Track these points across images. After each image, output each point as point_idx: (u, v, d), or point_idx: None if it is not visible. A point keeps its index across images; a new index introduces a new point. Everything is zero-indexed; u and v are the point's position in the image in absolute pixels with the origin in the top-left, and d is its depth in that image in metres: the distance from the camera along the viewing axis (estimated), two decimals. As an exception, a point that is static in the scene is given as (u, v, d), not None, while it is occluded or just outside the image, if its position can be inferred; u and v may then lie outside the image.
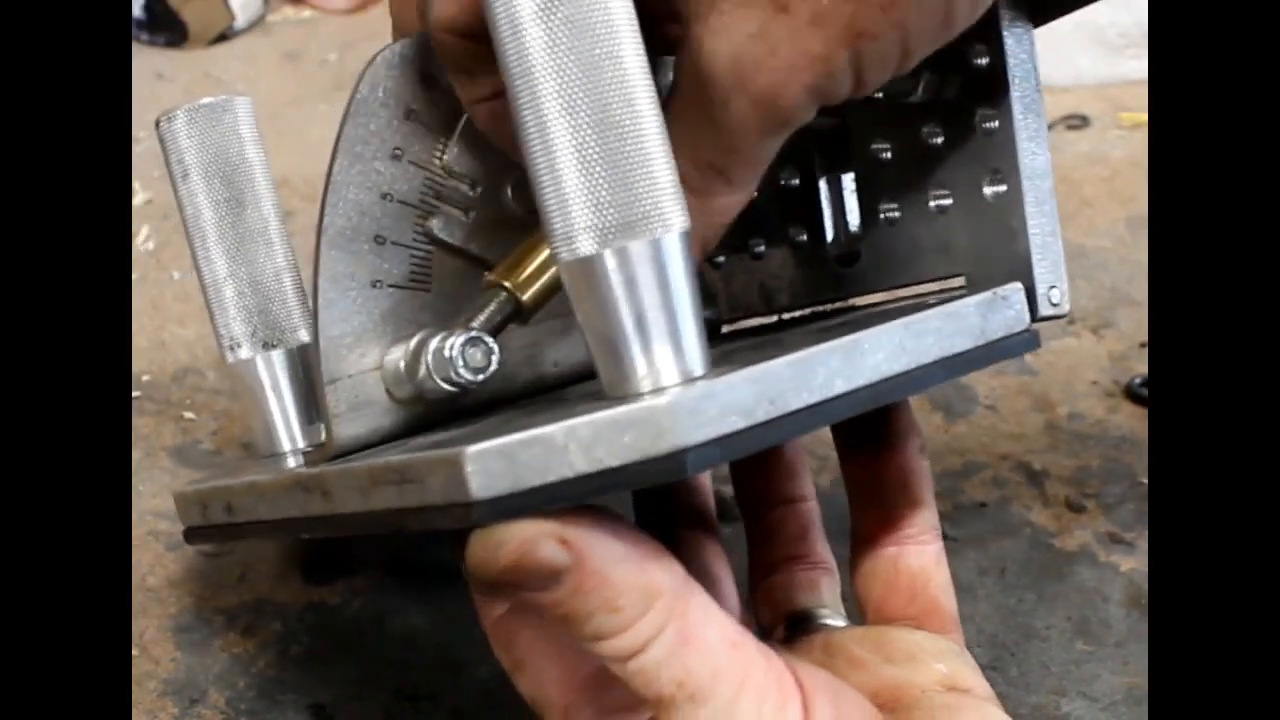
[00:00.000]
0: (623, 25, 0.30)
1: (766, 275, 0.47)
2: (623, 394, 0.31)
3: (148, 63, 1.16)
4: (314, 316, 0.38)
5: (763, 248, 0.47)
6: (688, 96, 0.33)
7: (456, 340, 0.37)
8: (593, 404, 0.32)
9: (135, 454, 0.61)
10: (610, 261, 0.30)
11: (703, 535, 0.42)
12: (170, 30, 1.22)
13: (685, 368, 0.31)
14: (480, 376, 0.38)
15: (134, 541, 0.55)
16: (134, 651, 0.49)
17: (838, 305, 0.45)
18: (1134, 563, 0.54)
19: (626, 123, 0.30)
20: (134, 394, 0.66)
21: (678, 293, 0.31)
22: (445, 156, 0.40)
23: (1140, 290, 0.75)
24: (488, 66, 0.36)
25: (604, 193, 0.30)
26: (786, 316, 0.47)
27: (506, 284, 0.39)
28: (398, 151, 0.40)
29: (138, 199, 0.88)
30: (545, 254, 0.38)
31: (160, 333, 0.72)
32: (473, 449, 0.30)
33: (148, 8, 1.21)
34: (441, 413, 0.40)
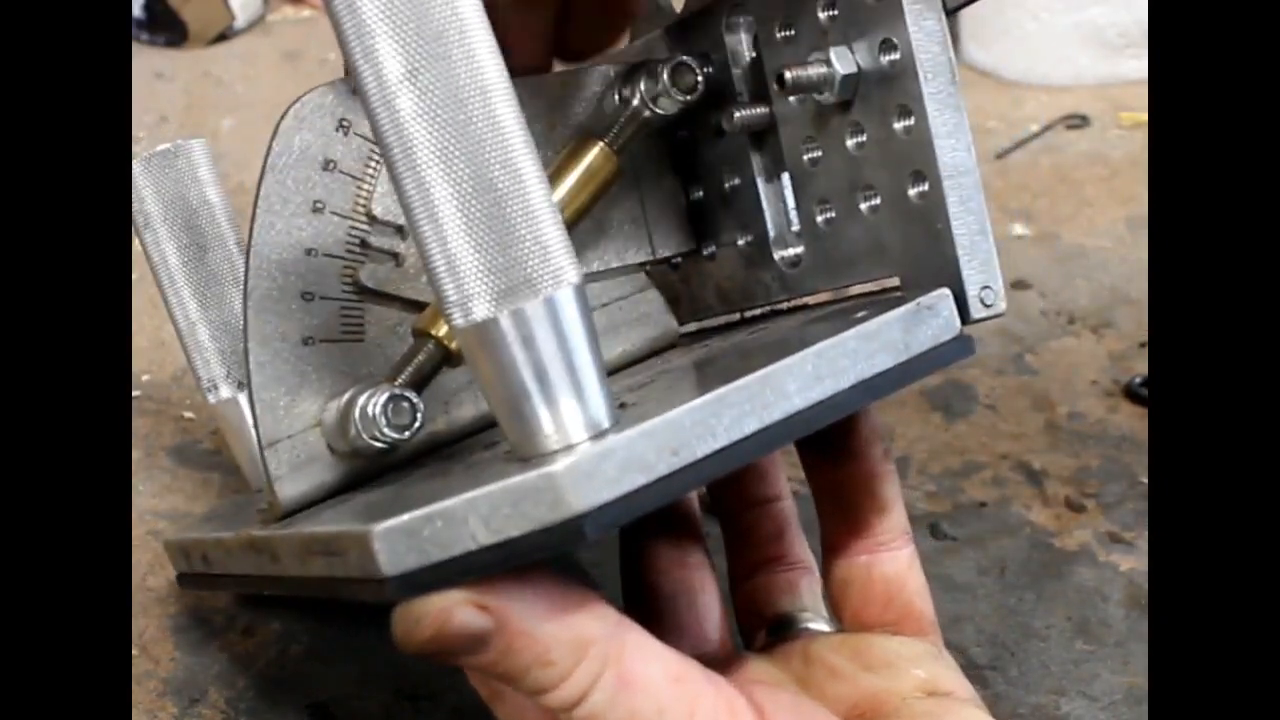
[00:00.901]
0: (495, 84, 0.30)
1: (721, 277, 0.46)
2: (531, 453, 0.31)
3: (148, 63, 1.16)
4: (247, 380, 0.38)
5: (713, 249, 0.46)
6: None
7: (379, 399, 0.37)
8: (500, 465, 0.32)
9: (135, 454, 0.61)
10: (506, 323, 0.30)
11: (685, 543, 0.42)
12: (170, 30, 1.22)
13: (592, 420, 0.30)
14: (406, 433, 0.37)
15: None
16: (134, 651, 0.49)
17: (793, 304, 0.45)
18: (1134, 562, 0.54)
19: (507, 184, 0.30)
20: (134, 394, 0.66)
21: (576, 347, 0.30)
22: (368, 204, 0.40)
23: (1140, 290, 0.75)
24: None
25: (492, 256, 0.29)
26: (748, 314, 0.47)
27: (433, 332, 0.39)
28: (319, 204, 0.39)
29: (138, 199, 0.87)
30: None
31: (160, 333, 0.72)
32: (379, 527, 0.30)
33: (148, 8, 1.21)
34: (383, 462, 0.40)
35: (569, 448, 0.30)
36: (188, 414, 0.65)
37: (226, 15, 1.24)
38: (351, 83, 0.40)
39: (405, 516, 0.30)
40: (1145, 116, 0.99)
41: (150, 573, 0.53)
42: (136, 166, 0.49)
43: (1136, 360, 0.69)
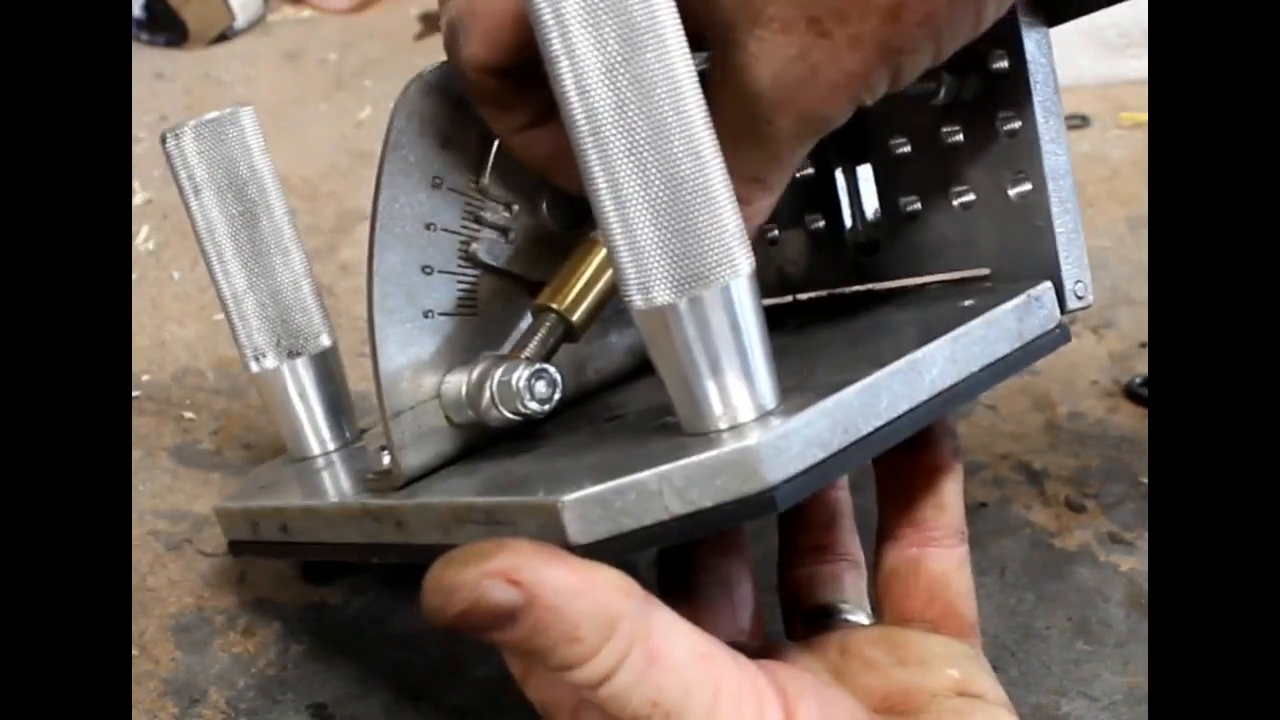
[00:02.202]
0: (685, 79, 0.31)
1: (784, 260, 0.47)
2: (700, 430, 0.32)
3: (148, 63, 1.16)
4: (372, 352, 0.39)
5: (776, 232, 0.47)
6: (727, 115, 0.34)
7: (522, 373, 0.38)
8: (670, 440, 0.33)
9: (135, 454, 0.61)
10: (684, 309, 0.31)
11: (724, 532, 0.42)
12: (170, 30, 1.22)
13: (759, 402, 0.32)
14: (546, 407, 0.38)
15: (134, 541, 0.55)
16: (134, 651, 0.49)
17: (855, 290, 0.45)
18: (1134, 563, 0.54)
19: (695, 176, 0.31)
20: (134, 394, 0.66)
21: (748, 332, 0.32)
22: (482, 180, 0.41)
23: (1140, 290, 0.75)
24: (519, 99, 0.37)
25: (676, 245, 0.31)
26: (803, 297, 0.47)
27: (555, 306, 0.39)
28: (437, 180, 0.40)
29: (138, 199, 0.88)
30: (589, 272, 0.39)
31: (160, 333, 0.72)
32: (570, 497, 0.31)
33: (148, 8, 1.21)
34: (491, 434, 0.41)
35: (735, 426, 0.32)
36: (188, 414, 0.65)
37: (226, 15, 1.23)
38: None
39: (597, 488, 0.31)
40: (1145, 116, 0.99)
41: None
42: (188, 133, 0.49)
43: (1136, 360, 0.69)
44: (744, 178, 0.35)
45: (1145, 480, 0.59)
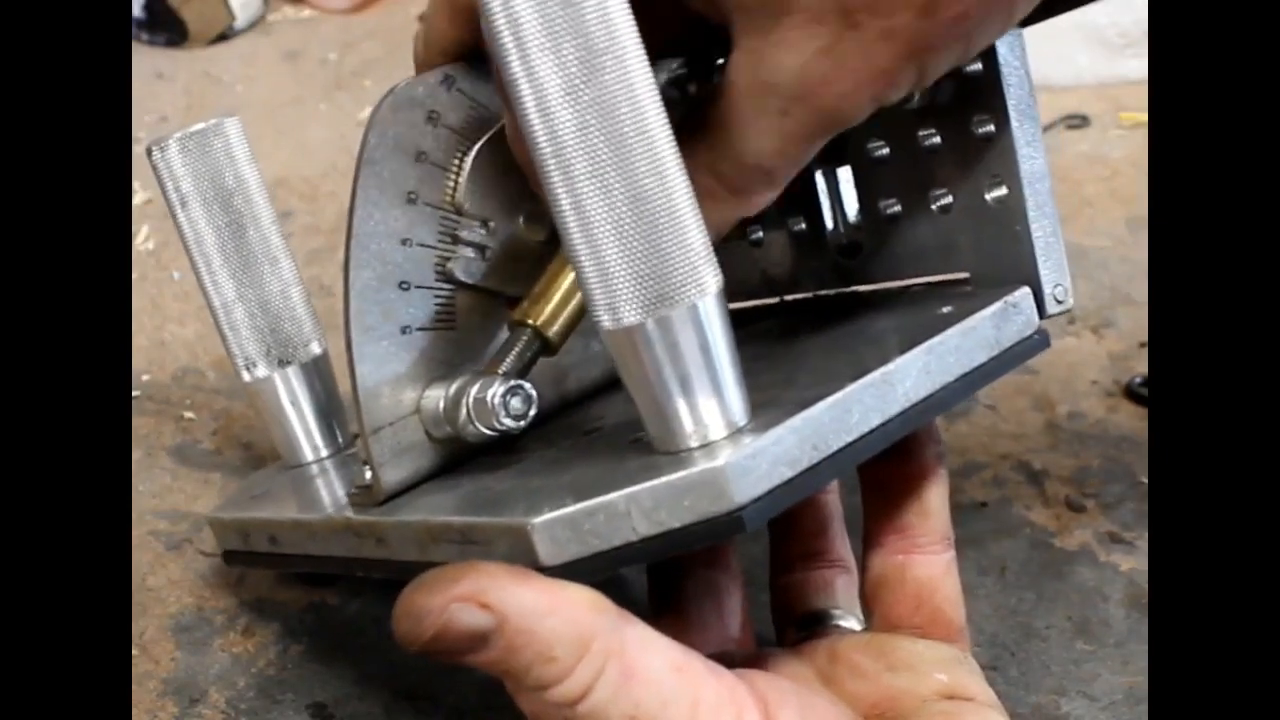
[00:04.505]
0: (647, 98, 0.30)
1: (768, 263, 0.47)
2: (672, 449, 0.32)
3: (148, 63, 1.16)
4: (350, 369, 0.39)
5: (760, 234, 0.47)
6: (739, 103, 0.34)
7: (497, 389, 0.38)
8: (641, 458, 0.33)
9: (135, 454, 0.61)
10: (652, 329, 0.31)
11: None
12: (170, 30, 1.22)
13: (730, 419, 0.32)
14: (521, 423, 0.38)
15: (134, 541, 0.55)
16: (134, 651, 0.49)
17: (839, 292, 0.45)
18: (1134, 563, 0.54)
19: (659, 196, 0.31)
20: (134, 394, 0.66)
21: (717, 350, 0.32)
22: (456, 196, 0.40)
23: (1140, 290, 0.75)
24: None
25: (641, 265, 0.31)
26: (789, 299, 0.47)
27: (531, 321, 0.39)
28: (412, 195, 0.40)
29: (138, 199, 0.88)
30: (566, 286, 0.39)
31: (160, 333, 0.72)
32: (540, 520, 0.31)
33: (148, 8, 1.21)
34: (472, 448, 0.41)
35: (706, 444, 0.32)
36: (188, 414, 0.65)
37: (226, 15, 1.23)
38: (439, 74, 0.40)
39: (566, 510, 0.31)
40: (1145, 116, 0.99)
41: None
42: (173, 145, 0.49)
43: (1136, 360, 0.69)
44: (750, 169, 0.34)
45: (1145, 480, 0.59)
